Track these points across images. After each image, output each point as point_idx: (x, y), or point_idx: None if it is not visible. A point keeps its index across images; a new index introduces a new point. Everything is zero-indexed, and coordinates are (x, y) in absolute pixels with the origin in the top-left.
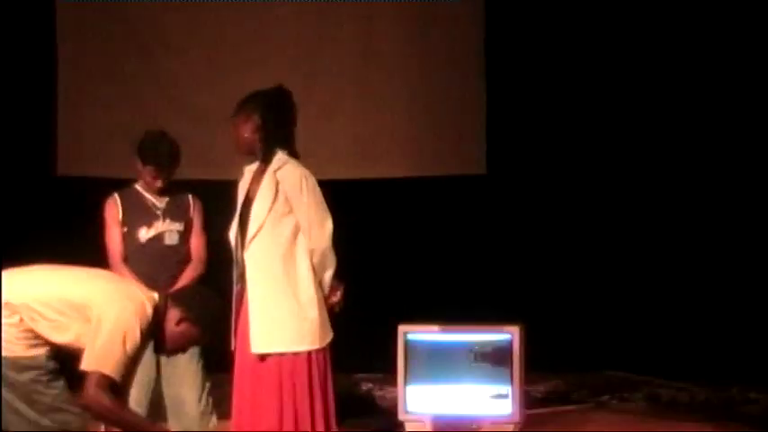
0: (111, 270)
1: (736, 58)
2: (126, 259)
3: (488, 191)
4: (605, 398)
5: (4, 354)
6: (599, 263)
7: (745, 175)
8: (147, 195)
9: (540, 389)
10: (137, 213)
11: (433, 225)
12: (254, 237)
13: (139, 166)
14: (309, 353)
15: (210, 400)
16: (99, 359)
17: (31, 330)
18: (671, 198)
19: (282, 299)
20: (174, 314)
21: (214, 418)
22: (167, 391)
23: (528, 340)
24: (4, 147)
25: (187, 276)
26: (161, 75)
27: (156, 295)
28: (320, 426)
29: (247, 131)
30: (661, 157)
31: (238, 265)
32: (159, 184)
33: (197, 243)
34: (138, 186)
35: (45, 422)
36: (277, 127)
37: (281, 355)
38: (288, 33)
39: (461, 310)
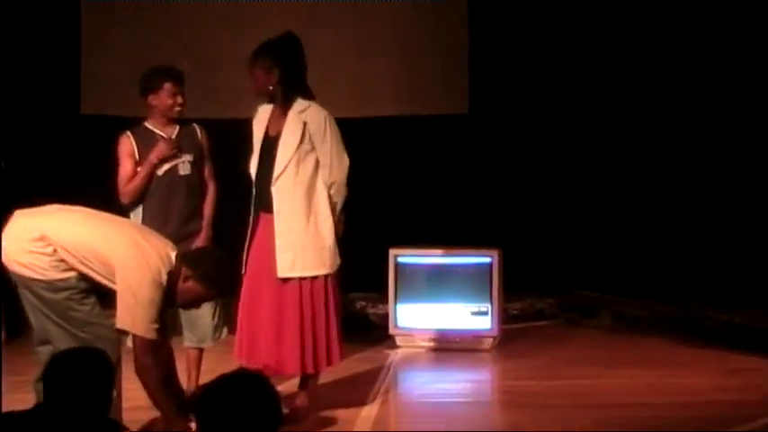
0: (120, 195)
1: (724, 11)
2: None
3: (470, 129)
4: (574, 315)
5: (39, 277)
6: (570, 194)
7: (718, 106)
8: (157, 131)
9: (516, 306)
10: (150, 149)
11: (421, 160)
12: (281, 173)
13: (152, 97)
14: (326, 276)
15: (223, 314)
16: (132, 322)
17: (63, 260)
18: (636, 131)
19: (306, 229)
20: (183, 272)
21: (225, 330)
22: None
23: (506, 263)
24: (32, 88)
25: (210, 201)
26: (177, 22)
27: (173, 256)
28: (334, 340)
29: (269, 80)
30: (632, 96)
31: (259, 196)
32: (180, 100)
33: (210, 169)
34: (147, 124)
35: (81, 335)
36: (295, 72)
37: (302, 279)
38: None
39: (446, 235)
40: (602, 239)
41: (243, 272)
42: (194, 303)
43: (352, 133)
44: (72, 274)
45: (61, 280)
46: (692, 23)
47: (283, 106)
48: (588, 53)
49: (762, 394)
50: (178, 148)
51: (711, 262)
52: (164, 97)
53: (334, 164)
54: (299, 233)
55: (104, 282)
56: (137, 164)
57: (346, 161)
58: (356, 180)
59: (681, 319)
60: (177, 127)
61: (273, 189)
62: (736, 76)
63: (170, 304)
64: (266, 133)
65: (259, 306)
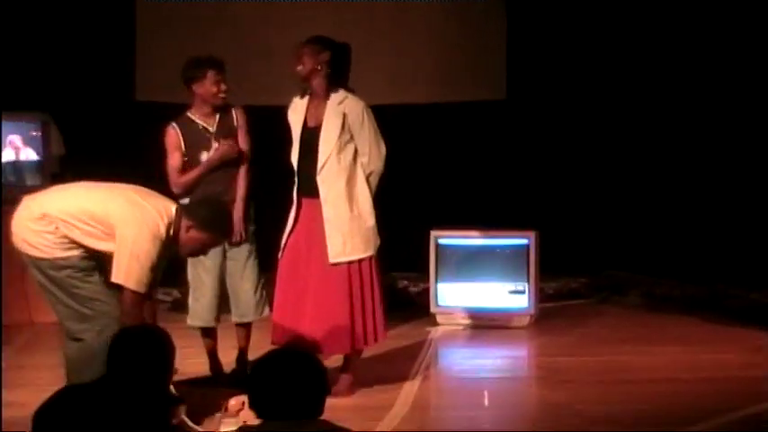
0: (172, 186)
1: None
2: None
3: (508, 114)
4: (607, 294)
5: (44, 256)
6: (603, 178)
7: (740, 95)
8: (199, 121)
9: (551, 286)
10: (194, 140)
11: (461, 145)
12: (325, 162)
13: (197, 86)
14: (369, 257)
15: (264, 293)
16: (126, 275)
17: (66, 236)
18: (668, 115)
19: (351, 214)
20: (184, 224)
21: (267, 308)
22: (229, 281)
23: (542, 244)
24: (90, 75)
25: (243, 179)
26: (227, 13)
27: (173, 210)
28: (379, 318)
29: (315, 63)
30: (663, 86)
31: (302, 184)
32: (224, 86)
33: (246, 148)
34: (190, 114)
35: (85, 310)
36: (340, 64)
37: (350, 262)
38: None
39: (486, 218)
40: (634, 221)
41: (280, 255)
42: (200, 251)
43: (394, 119)
44: (75, 252)
45: (63, 258)
46: (729, 13)
47: (321, 98)
48: (625, 38)
49: None
50: (220, 137)
51: (740, 242)
52: (208, 85)
53: (372, 152)
54: (346, 219)
55: (109, 248)
56: (183, 155)
57: (384, 149)
58: (399, 165)
59: (709, 297)
60: (217, 115)
61: (319, 178)
62: None
63: (176, 254)
64: (305, 124)
65: (303, 290)
